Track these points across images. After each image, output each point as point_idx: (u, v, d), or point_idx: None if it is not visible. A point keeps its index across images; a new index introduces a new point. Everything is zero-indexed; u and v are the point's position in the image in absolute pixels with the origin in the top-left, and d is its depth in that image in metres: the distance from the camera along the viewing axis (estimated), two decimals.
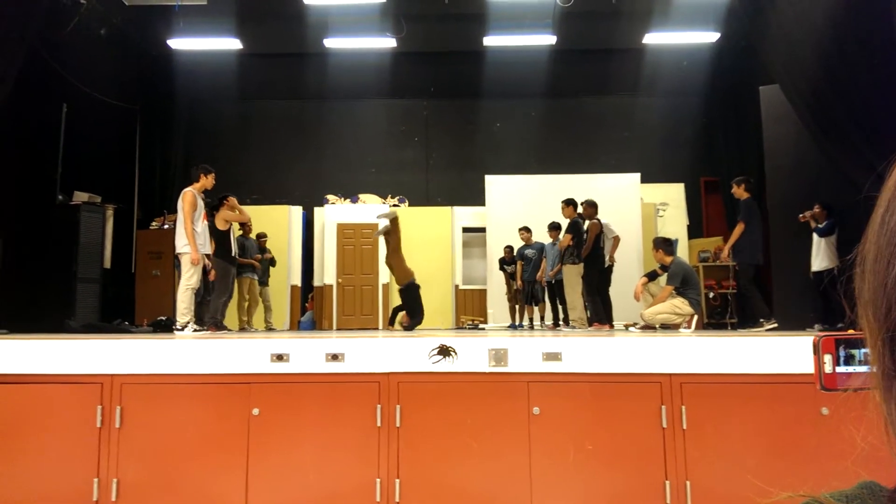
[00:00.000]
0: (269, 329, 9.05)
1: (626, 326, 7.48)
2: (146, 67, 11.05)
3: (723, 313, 10.21)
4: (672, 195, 11.22)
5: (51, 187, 8.94)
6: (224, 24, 10.21)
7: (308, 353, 3.47)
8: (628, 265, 9.68)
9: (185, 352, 3.54)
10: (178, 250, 6.31)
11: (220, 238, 6.94)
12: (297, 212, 11.34)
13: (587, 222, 7.63)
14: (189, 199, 6.23)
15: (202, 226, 6.46)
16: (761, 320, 6.60)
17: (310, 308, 11.05)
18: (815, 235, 7.23)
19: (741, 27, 9.16)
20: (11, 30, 5.99)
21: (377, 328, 10.43)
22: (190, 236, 6.12)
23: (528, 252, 9.04)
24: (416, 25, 10.39)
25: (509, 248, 9.50)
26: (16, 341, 3.60)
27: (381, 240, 7.68)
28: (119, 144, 10.75)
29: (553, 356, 3.39)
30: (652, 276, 7.31)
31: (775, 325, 6.41)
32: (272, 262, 9.27)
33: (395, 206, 11.49)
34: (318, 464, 3.38)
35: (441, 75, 11.83)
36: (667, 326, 6.74)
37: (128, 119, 10.93)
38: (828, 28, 5.90)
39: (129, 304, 9.78)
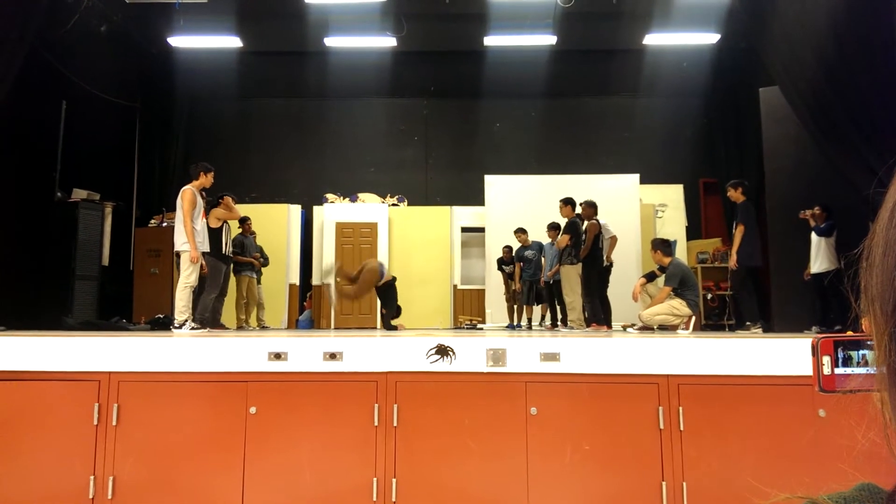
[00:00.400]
0: (263, 327, 9.04)
1: (624, 327, 7.48)
2: (146, 65, 11.04)
3: (720, 315, 10.23)
4: (671, 196, 11.22)
5: (49, 184, 8.93)
6: (224, 22, 10.20)
7: (306, 352, 3.46)
8: (627, 266, 9.68)
9: (183, 350, 3.54)
10: (176, 248, 6.31)
11: (212, 235, 6.95)
12: (295, 210, 11.33)
13: (586, 222, 7.63)
14: (189, 197, 6.23)
15: (201, 224, 6.46)
16: (748, 323, 6.61)
17: (308, 307, 11.05)
18: (814, 237, 7.24)
19: (741, 28, 9.16)
20: (12, 28, 5.98)
21: (375, 327, 10.42)
22: (190, 234, 6.12)
23: (528, 253, 9.03)
24: (416, 24, 10.38)
25: (508, 249, 9.50)
26: (13, 338, 3.59)
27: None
28: (118, 142, 10.75)
29: (551, 356, 3.39)
30: (650, 277, 7.31)
31: (760, 329, 6.41)
32: (264, 261, 9.25)
33: (394, 204, 11.48)
34: (314, 463, 3.38)
35: (441, 75, 11.83)
36: (665, 327, 6.75)
37: (127, 117, 10.92)
38: (828, 29, 5.90)
39: (127, 302, 9.77)
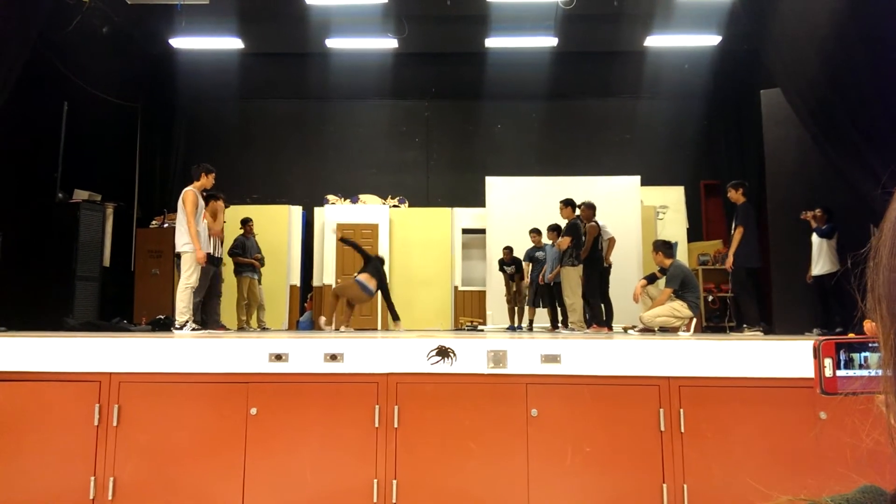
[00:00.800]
0: (263, 328, 9.04)
1: (625, 329, 7.48)
2: (148, 66, 11.05)
3: (721, 317, 10.22)
4: (672, 198, 11.22)
5: (51, 185, 8.94)
6: (226, 24, 10.21)
7: (307, 353, 3.46)
8: (627, 268, 9.68)
9: (184, 351, 3.54)
10: (177, 249, 6.31)
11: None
12: (296, 211, 11.34)
13: (586, 224, 7.63)
14: (191, 198, 6.24)
15: (202, 225, 6.47)
16: (744, 326, 6.59)
17: (309, 308, 11.05)
18: (815, 239, 7.23)
19: (743, 30, 9.16)
20: (14, 29, 5.99)
21: (376, 329, 10.42)
22: (194, 236, 6.14)
23: (539, 254, 8.95)
24: (417, 26, 10.39)
25: (508, 249, 9.49)
26: (14, 339, 3.60)
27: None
28: (120, 143, 10.76)
29: (552, 358, 3.39)
30: (651, 279, 7.31)
31: (760, 332, 6.39)
32: (261, 261, 9.23)
33: (395, 206, 11.49)
34: (315, 464, 3.38)
35: (442, 76, 11.84)
36: (665, 329, 6.74)
37: (129, 118, 10.93)
38: (829, 31, 5.90)
39: (128, 303, 9.78)
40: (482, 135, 11.96)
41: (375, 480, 3.33)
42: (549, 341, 3.66)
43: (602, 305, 7.81)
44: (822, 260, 7.16)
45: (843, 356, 0.64)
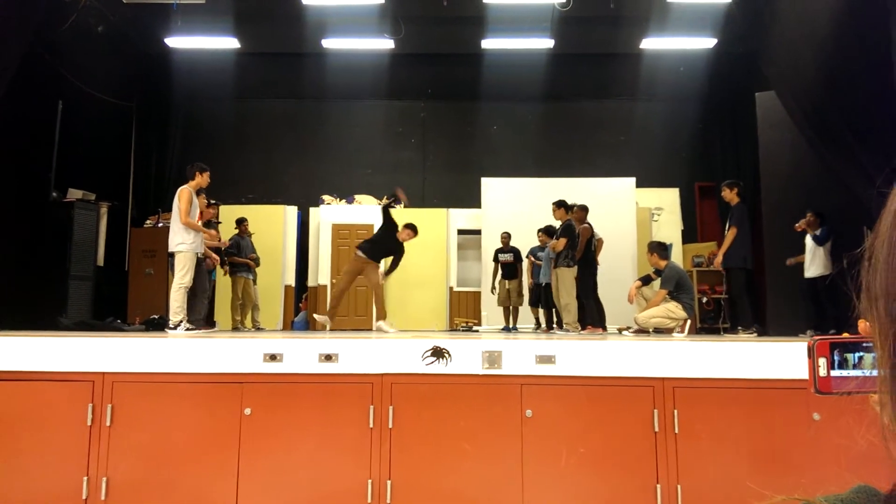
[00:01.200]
0: (257, 328, 9.02)
1: (620, 330, 7.49)
2: (143, 65, 11.02)
3: (716, 318, 10.25)
4: (667, 200, 11.24)
5: (45, 184, 8.91)
6: (222, 23, 10.19)
7: (301, 354, 3.46)
8: (622, 269, 9.70)
9: (178, 351, 3.53)
10: (171, 249, 6.30)
11: None
12: (292, 212, 11.32)
13: (579, 226, 7.64)
14: (186, 196, 6.24)
15: (198, 224, 6.47)
16: (739, 328, 6.60)
17: (304, 308, 11.03)
18: (808, 242, 7.25)
19: (738, 33, 9.19)
20: (9, 28, 5.96)
21: (371, 329, 10.41)
22: (195, 226, 6.21)
23: (542, 254, 8.92)
24: (414, 27, 10.39)
25: (507, 235, 9.41)
26: (7, 338, 3.58)
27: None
28: (114, 142, 10.72)
29: (546, 359, 3.39)
30: (646, 281, 7.32)
31: (754, 333, 6.41)
32: (256, 260, 9.22)
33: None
34: (309, 464, 3.37)
35: (439, 77, 11.84)
36: (660, 330, 6.75)
37: (124, 117, 10.90)
38: (824, 34, 5.92)
39: (121, 303, 9.74)
40: (478, 136, 11.97)
41: (370, 481, 3.32)
42: (544, 342, 3.66)
43: (599, 306, 7.82)
44: (815, 262, 7.18)
45: (837, 356, 0.65)
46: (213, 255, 7.81)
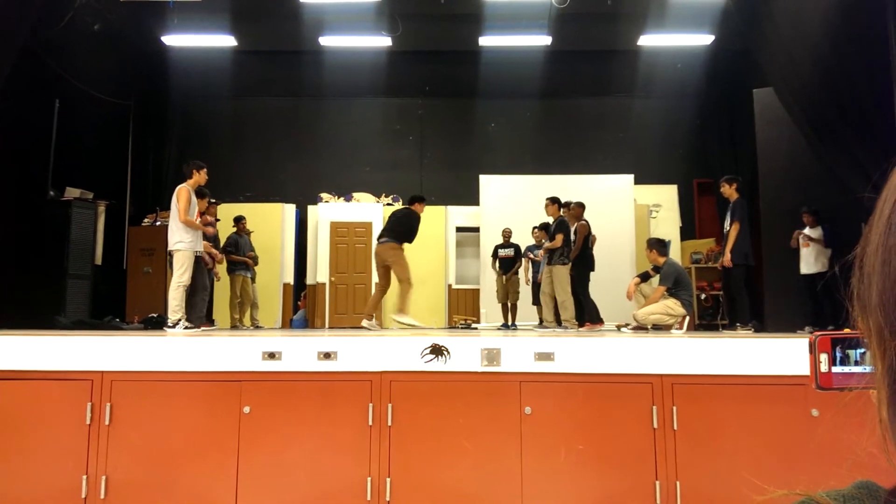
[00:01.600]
0: (256, 326, 9.02)
1: (618, 327, 7.50)
2: (140, 63, 10.99)
3: (714, 314, 10.26)
4: (665, 196, 11.25)
5: (42, 183, 8.89)
6: (219, 21, 10.17)
7: (300, 352, 3.46)
8: (620, 266, 9.71)
9: (176, 349, 3.53)
10: (170, 247, 6.30)
11: None
12: (290, 209, 11.31)
13: (576, 223, 7.66)
14: (185, 195, 6.25)
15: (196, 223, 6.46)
16: (737, 324, 6.62)
17: (302, 306, 11.03)
18: (802, 239, 7.25)
19: (735, 30, 9.18)
20: (4, 26, 5.95)
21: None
22: (194, 225, 6.20)
23: (538, 252, 8.92)
24: (411, 24, 10.38)
25: (508, 231, 9.41)
26: (5, 337, 3.57)
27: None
28: (112, 140, 10.69)
29: (545, 356, 3.39)
30: (644, 277, 7.33)
31: (752, 329, 6.42)
32: (254, 259, 9.21)
33: (388, 204, 11.47)
34: (308, 462, 3.37)
35: (436, 75, 11.82)
36: (659, 327, 6.76)
37: (121, 115, 10.87)
38: (822, 31, 5.93)
39: (120, 301, 9.73)
40: (476, 133, 11.96)
41: (369, 479, 3.32)
42: (543, 339, 3.67)
43: (592, 303, 7.85)
44: (818, 259, 7.19)
45: (839, 352, 0.65)
46: (215, 252, 7.80)
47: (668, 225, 11.01)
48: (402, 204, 11.46)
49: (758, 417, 3.27)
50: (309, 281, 11.10)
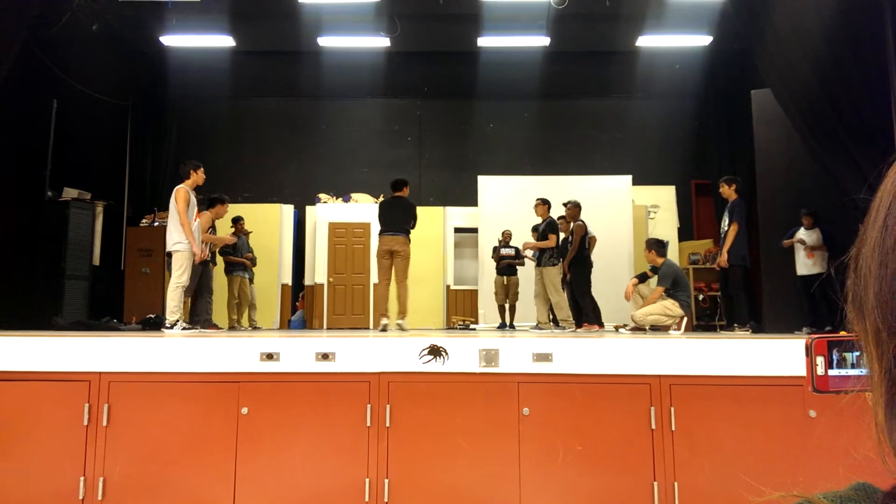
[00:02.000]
0: (254, 327, 9.02)
1: (617, 328, 7.50)
2: (138, 64, 10.98)
3: (712, 315, 10.27)
4: (663, 197, 11.26)
5: (40, 183, 8.88)
6: (217, 21, 10.16)
7: (298, 353, 3.45)
8: (618, 267, 9.71)
9: (174, 350, 3.52)
10: (169, 248, 6.29)
11: None
12: (288, 210, 11.31)
13: (573, 224, 7.66)
14: (183, 195, 6.23)
15: (195, 224, 6.44)
16: (735, 325, 6.63)
17: (300, 307, 11.02)
18: (805, 238, 7.26)
19: (733, 31, 9.21)
20: (3, 26, 5.94)
21: (368, 328, 10.41)
22: (188, 232, 6.14)
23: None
24: (410, 25, 10.38)
25: (508, 233, 9.42)
26: (2, 338, 3.57)
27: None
28: (110, 141, 10.69)
29: (543, 357, 3.39)
30: (642, 278, 7.34)
31: (749, 330, 6.43)
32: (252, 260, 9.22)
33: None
34: (306, 463, 3.37)
35: (435, 75, 11.83)
36: (657, 328, 6.77)
37: (119, 115, 10.87)
38: (819, 32, 5.94)
39: (118, 302, 9.72)
40: (474, 134, 11.97)
41: (367, 479, 3.32)
42: (541, 340, 3.67)
43: (594, 303, 7.84)
44: (816, 260, 7.21)
45: (835, 355, 0.65)
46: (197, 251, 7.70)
47: (665, 226, 11.02)
48: None
49: (756, 418, 3.27)
50: (307, 281, 11.09)
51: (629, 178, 10.64)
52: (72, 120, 9.25)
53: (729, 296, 7.00)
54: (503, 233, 9.45)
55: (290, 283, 11.12)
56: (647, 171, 11.10)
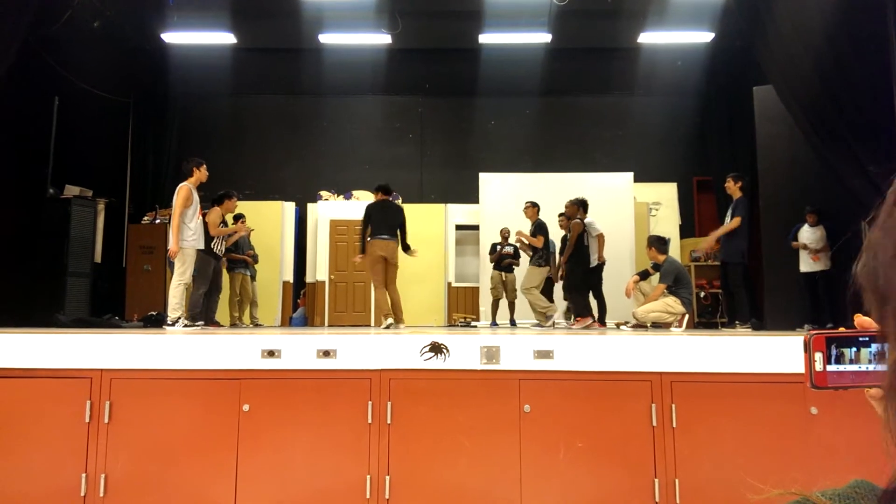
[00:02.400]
0: (256, 324, 9.03)
1: (618, 325, 7.51)
2: (139, 61, 10.97)
3: (713, 312, 10.27)
4: (665, 194, 11.25)
5: (42, 181, 8.89)
6: (218, 19, 10.16)
7: (299, 350, 3.46)
8: (620, 264, 9.70)
9: (176, 347, 3.52)
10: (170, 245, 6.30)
11: (205, 231, 6.94)
12: (289, 207, 11.31)
13: (571, 221, 7.77)
14: (184, 193, 6.24)
15: (196, 222, 6.44)
16: (736, 322, 6.63)
17: (302, 304, 11.03)
18: (807, 235, 7.26)
19: (735, 27, 9.18)
20: (4, 23, 5.94)
21: (369, 325, 10.42)
22: (175, 229, 6.12)
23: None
24: (411, 22, 10.37)
25: (507, 230, 9.44)
26: (5, 335, 3.57)
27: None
28: (111, 138, 10.69)
29: (544, 354, 3.39)
30: (644, 276, 7.33)
31: (750, 328, 6.43)
32: (254, 257, 9.22)
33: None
34: (308, 460, 3.38)
35: (436, 72, 11.82)
36: (658, 325, 6.77)
37: (120, 113, 10.87)
38: (821, 28, 5.92)
39: (119, 299, 9.73)
40: (476, 131, 11.96)
41: (368, 476, 3.33)
42: (542, 337, 3.67)
43: (586, 300, 7.94)
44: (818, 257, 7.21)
45: (833, 351, 0.64)
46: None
47: (667, 223, 11.01)
48: (402, 202, 11.49)
49: (757, 415, 3.27)
50: (308, 279, 11.10)
51: (631, 175, 10.62)
52: (73, 117, 9.25)
53: (730, 293, 7.01)
54: (501, 231, 9.46)
55: (291, 281, 11.12)
56: (648, 168, 11.08)
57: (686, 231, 11.23)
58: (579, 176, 10.48)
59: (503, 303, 9.24)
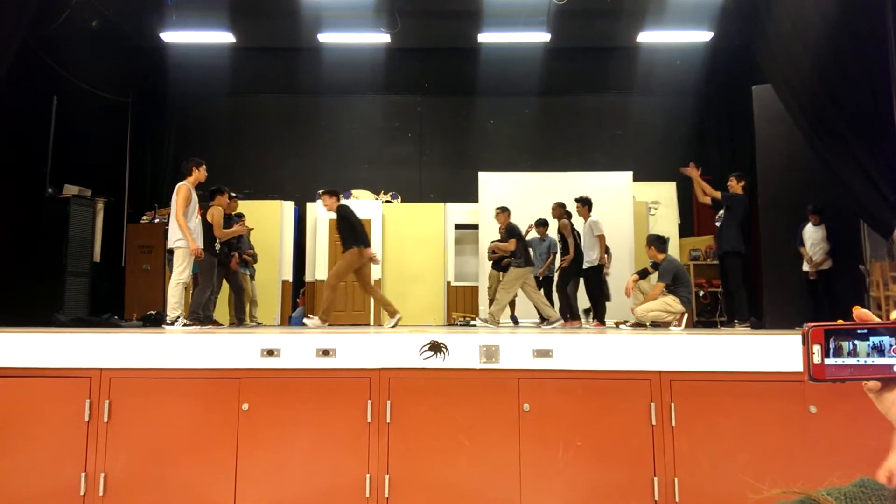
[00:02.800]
0: (256, 323, 9.02)
1: (617, 324, 7.51)
2: (138, 60, 10.97)
3: (712, 311, 10.27)
4: (664, 193, 11.25)
5: (41, 180, 8.88)
6: (217, 18, 10.15)
7: (299, 349, 3.46)
8: (619, 263, 9.70)
9: (175, 346, 3.52)
10: (170, 244, 6.30)
11: (205, 231, 6.93)
12: (289, 207, 11.30)
13: (558, 222, 7.87)
14: (184, 193, 6.24)
15: (196, 221, 6.44)
16: (735, 321, 6.64)
17: (301, 304, 11.02)
18: (809, 234, 7.27)
19: (734, 27, 9.19)
20: (2, 24, 5.93)
21: (368, 324, 10.42)
22: (184, 229, 6.14)
23: (541, 248, 8.91)
24: (410, 21, 10.36)
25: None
26: (4, 335, 3.57)
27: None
28: (110, 138, 10.68)
29: (544, 353, 3.39)
30: (643, 274, 7.34)
31: (749, 326, 6.44)
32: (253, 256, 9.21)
33: (387, 201, 11.48)
34: (307, 459, 3.38)
35: (435, 71, 11.81)
36: (657, 324, 6.77)
37: (119, 112, 10.85)
38: (821, 28, 5.92)
39: (118, 299, 9.73)
40: (475, 130, 11.95)
41: (368, 475, 3.33)
42: (542, 336, 3.67)
43: (570, 300, 8.07)
44: (815, 255, 7.21)
45: (832, 343, 0.64)
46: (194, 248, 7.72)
47: (666, 222, 11.01)
48: (402, 201, 11.49)
49: (756, 414, 3.27)
50: (308, 278, 11.10)
51: (630, 174, 10.63)
52: (72, 117, 9.24)
53: (729, 291, 7.01)
54: (499, 230, 9.44)
55: (290, 280, 11.12)
56: (647, 168, 11.08)
57: (685, 230, 11.23)
58: (578, 175, 10.48)
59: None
